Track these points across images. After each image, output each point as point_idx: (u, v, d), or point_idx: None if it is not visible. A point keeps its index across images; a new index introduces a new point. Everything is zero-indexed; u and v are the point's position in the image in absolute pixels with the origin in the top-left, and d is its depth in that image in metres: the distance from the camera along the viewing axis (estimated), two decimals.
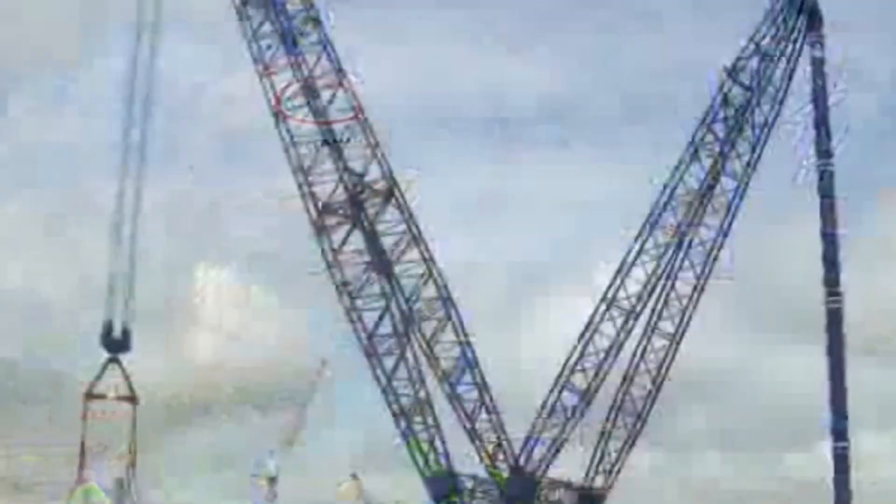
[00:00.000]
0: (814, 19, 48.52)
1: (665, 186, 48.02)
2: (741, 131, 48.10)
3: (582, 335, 47.51)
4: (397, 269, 47.95)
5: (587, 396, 47.22)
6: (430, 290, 48.05)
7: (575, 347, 47.48)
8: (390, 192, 48.39)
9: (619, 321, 47.48)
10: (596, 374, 47.22)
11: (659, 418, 50.33)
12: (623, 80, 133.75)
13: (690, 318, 47.76)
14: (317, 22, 49.15)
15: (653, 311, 47.63)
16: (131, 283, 49.77)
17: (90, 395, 49.72)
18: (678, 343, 47.66)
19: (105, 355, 50.10)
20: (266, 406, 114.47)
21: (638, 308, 47.48)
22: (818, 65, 48.46)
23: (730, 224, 48.05)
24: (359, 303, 46.95)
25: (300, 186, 47.91)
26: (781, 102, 48.54)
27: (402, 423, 46.15)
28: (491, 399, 47.80)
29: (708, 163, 48.01)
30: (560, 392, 47.24)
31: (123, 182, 50.24)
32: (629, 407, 47.49)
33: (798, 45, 48.51)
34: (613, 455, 47.61)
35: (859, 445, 47.47)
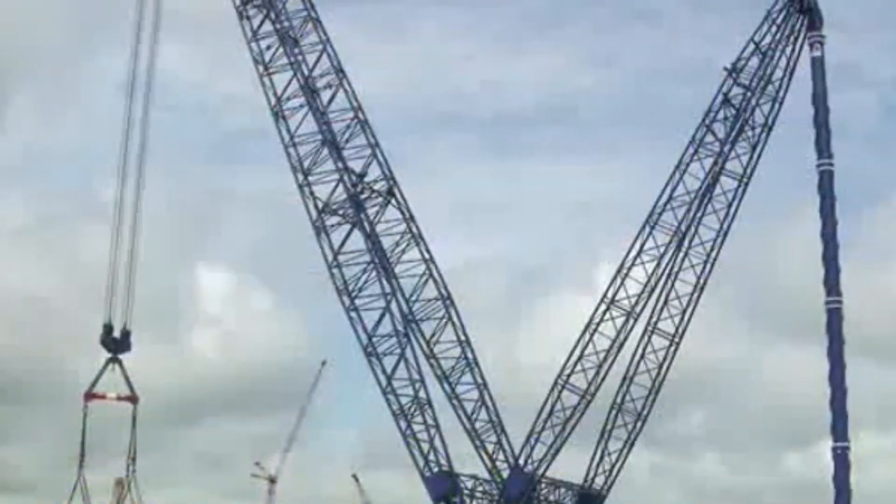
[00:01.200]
0: (814, 19, 48.47)
1: (665, 186, 48.00)
2: (741, 131, 48.07)
3: (582, 335, 47.47)
4: (397, 269, 48.00)
5: (587, 396, 47.18)
6: (430, 290, 48.07)
7: (575, 347, 47.45)
8: (390, 192, 48.42)
9: (620, 321, 47.44)
10: (596, 374, 47.19)
11: (659, 418, 50.38)
12: (623, 80, 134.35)
13: (690, 318, 47.72)
14: (317, 22, 49.21)
15: (653, 311, 47.60)
16: (131, 283, 49.90)
17: (90, 395, 49.85)
18: (678, 343, 47.61)
19: (105, 355, 50.28)
20: (265, 406, 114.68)
21: (638, 308, 47.44)
22: (818, 65, 48.41)
23: (729, 224, 48.03)
24: (359, 303, 46.96)
25: (300, 186, 47.94)
26: (781, 102, 48.52)
27: (402, 423, 46.14)
28: (491, 399, 47.84)
29: (708, 163, 47.97)
30: (560, 392, 47.20)
31: (123, 182, 50.44)
32: (629, 407, 47.46)
33: (798, 45, 48.49)
34: (613, 455, 47.58)
35: (859, 445, 47.46)
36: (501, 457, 47.71)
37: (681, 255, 47.64)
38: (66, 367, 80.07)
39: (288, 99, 48.64)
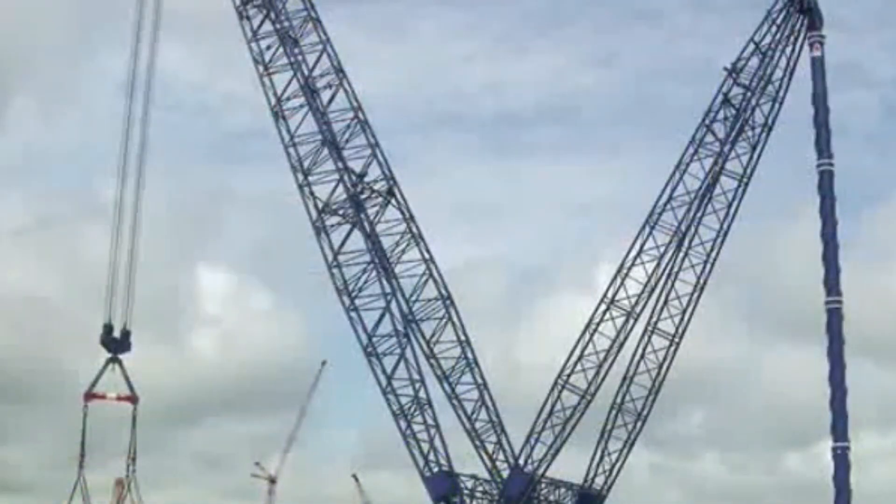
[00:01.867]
0: (814, 19, 48.44)
1: (665, 186, 47.98)
2: (741, 131, 48.04)
3: (582, 335, 47.44)
4: (397, 269, 47.98)
5: (587, 396, 47.15)
6: (430, 290, 48.06)
7: (575, 347, 47.42)
8: (390, 192, 48.41)
9: (620, 321, 47.41)
10: (596, 374, 47.16)
11: (659, 418, 50.34)
12: (624, 80, 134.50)
13: (690, 318, 47.69)
14: (317, 22, 49.19)
15: (653, 311, 47.57)
16: (131, 283, 49.93)
17: (90, 395, 49.87)
18: (678, 343, 47.58)
19: (105, 355, 50.30)
20: (265, 406, 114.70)
21: (638, 308, 47.41)
22: (818, 65, 48.38)
23: (729, 224, 48.00)
24: (359, 303, 46.95)
25: (300, 186, 47.93)
26: (781, 102, 48.49)
27: (402, 423, 46.13)
28: (491, 399, 47.83)
29: (708, 163, 47.95)
30: (560, 392, 47.18)
31: (123, 182, 50.49)
32: (629, 407, 47.43)
33: (798, 45, 48.45)
34: (613, 455, 47.55)
35: (859, 445, 47.46)
36: (501, 457, 47.71)
37: (681, 255, 47.61)
38: (66, 367, 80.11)
39: (288, 99, 48.63)
